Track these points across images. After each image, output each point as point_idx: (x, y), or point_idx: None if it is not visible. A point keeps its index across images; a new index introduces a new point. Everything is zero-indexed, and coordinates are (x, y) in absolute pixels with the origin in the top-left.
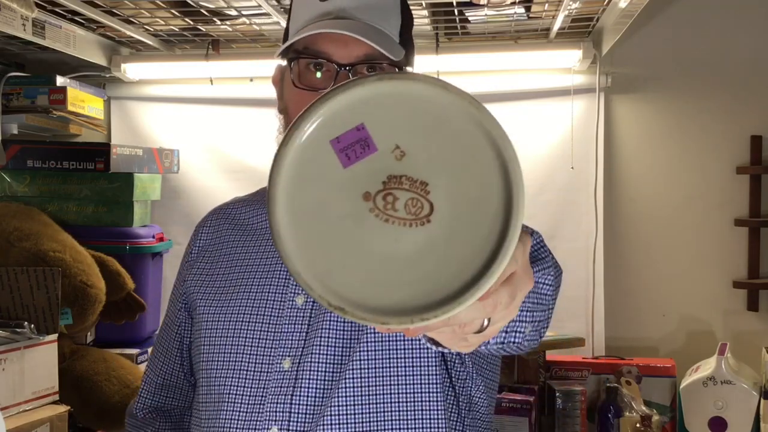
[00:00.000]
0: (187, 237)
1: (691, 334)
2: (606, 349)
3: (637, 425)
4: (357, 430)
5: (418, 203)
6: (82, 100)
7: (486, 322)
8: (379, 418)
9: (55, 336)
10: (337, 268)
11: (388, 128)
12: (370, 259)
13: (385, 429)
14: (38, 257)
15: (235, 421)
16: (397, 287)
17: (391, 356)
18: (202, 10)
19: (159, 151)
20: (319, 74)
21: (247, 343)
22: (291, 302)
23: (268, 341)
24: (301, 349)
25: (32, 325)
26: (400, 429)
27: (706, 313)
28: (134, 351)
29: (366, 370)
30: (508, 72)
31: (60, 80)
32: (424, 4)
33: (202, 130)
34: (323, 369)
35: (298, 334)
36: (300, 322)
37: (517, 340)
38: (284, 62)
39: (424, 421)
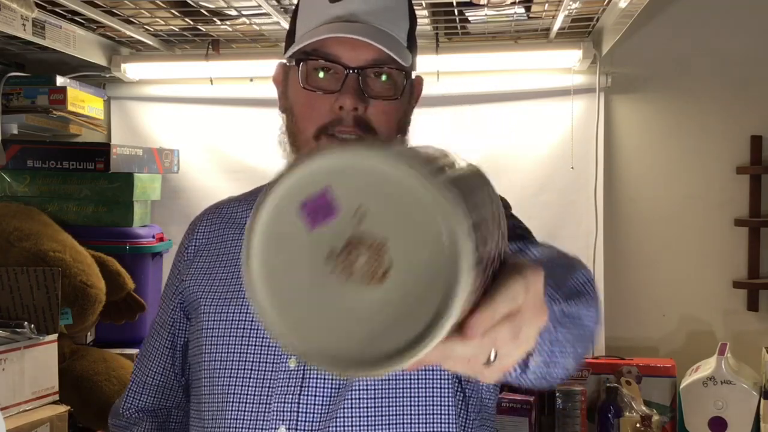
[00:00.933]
0: None
1: (691, 334)
2: (606, 349)
3: (637, 425)
4: (368, 430)
5: (375, 263)
6: (82, 100)
7: (493, 356)
8: (390, 421)
9: (55, 336)
10: (304, 321)
11: (351, 193)
12: (334, 314)
13: (396, 430)
14: (38, 257)
15: (242, 421)
16: (357, 340)
17: None
18: (202, 10)
19: (159, 151)
20: (326, 76)
21: (251, 342)
22: None
23: (272, 340)
24: None
25: (32, 325)
26: (411, 430)
27: (706, 313)
28: (134, 351)
29: None
30: (508, 72)
31: (60, 80)
32: (424, 4)
33: (202, 130)
34: None
35: None
36: None
37: (560, 374)
38: (287, 62)
39: (435, 423)
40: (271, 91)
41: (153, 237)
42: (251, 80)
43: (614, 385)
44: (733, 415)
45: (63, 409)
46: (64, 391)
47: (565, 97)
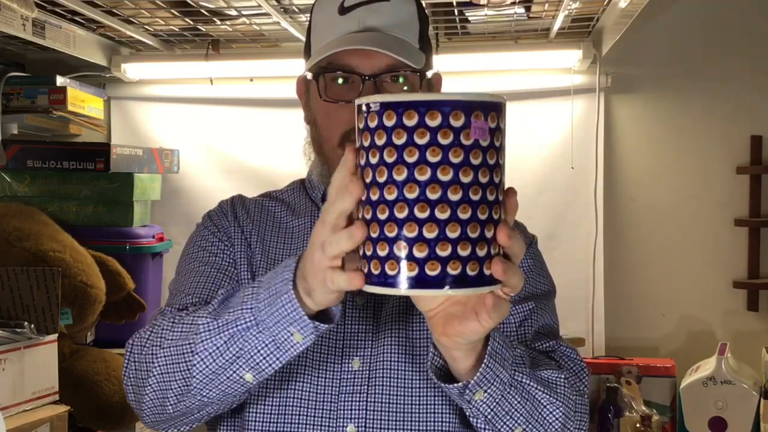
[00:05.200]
0: (186, 237)
1: (691, 334)
2: (606, 349)
3: (637, 425)
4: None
5: None
6: (82, 100)
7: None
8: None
9: (55, 336)
10: None
11: None
12: None
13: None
14: (38, 257)
15: (306, 420)
16: None
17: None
18: (202, 10)
19: (159, 151)
20: (344, 86)
21: (311, 347)
22: (352, 302)
23: (332, 340)
24: (369, 349)
25: (32, 325)
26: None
27: (706, 313)
28: None
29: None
30: (508, 72)
31: (60, 80)
32: (424, 4)
33: (202, 130)
34: (395, 368)
35: (364, 333)
36: (365, 323)
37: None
38: (308, 75)
39: None
40: (271, 91)
41: (153, 237)
42: (251, 80)
43: (614, 385)
44: (733, 415)
45: (63, 409)
46: (64, 391)
47: (565, 97)
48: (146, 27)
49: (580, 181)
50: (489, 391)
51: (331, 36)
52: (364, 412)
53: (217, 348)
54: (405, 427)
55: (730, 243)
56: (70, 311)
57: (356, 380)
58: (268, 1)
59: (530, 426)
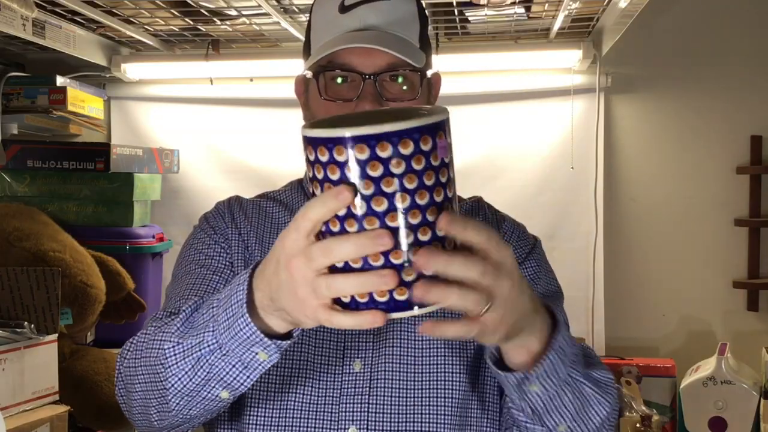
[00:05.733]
0: (186, 237)
1: (691, 334)
2: (606, 349)
3: (637, 425)
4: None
5: None
6: (82, 100)
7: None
8: (460, 421)
9: (55, 336)
10: None
11: None
12: None
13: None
14: (38, 257)
15: (307, 423)
16: None
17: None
18: (202, 10)
19: (159, 151)
20: (344, 85)
21: (310, 343)
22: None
23: (333, 342)
24: (371, 351)
25: (32, 325)
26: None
27: (706, 313)
28: None
29: (446, 373)
30: (508, 72)
31: (60, 80)
32: (424, 4)
33: (202, 130)
34: (397, 370)
35: (365, 335)
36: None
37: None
38: (306, 74)
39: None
40: (271, 91)
41: (153, 237)
42: (251, 80)
43: (614, 385)
44: (733, 415)
45: (63, 409)
46: (64, 391)
47: (565, 97)
48: (146, 27)
49: (580, 181)
50: (546, 385)
51: (331, 34)
52: (366, 414)
53: (186, 372)
54: (407, 428)
55: (730, 243)
56: (70, 311)
57: (358, 382)
58: (268, 1)
59: (575, 423)
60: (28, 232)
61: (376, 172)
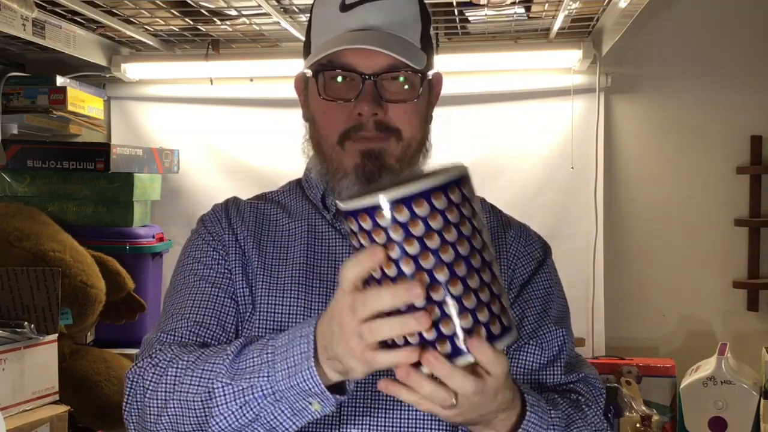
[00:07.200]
0: (186, 237)
1: (691, 334)
2: (606, 349)
3: (637, 425)
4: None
5: None
6: (82, 100)
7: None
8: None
9: (55, 336)
10: None
11: None
12: None
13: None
14: (38, 257)
15: (309, 422)
16: None
17: None
18: (202, 10)
19: (159, 151)
20: (344, 84)
21: None
22: None
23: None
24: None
25: (32, 325)
26: None
27: (706, 313)
28: (134, 351)
29: None
30: (508, 72)
31: (60, 80)
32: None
33: (202, 130)
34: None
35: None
36: None
37: None
38: (307, 72)
39: None
40: (271, 91)
41: (153, 237)
42: (251, 80)
43: (614, 385)
44: (733, 415)
45: (63, 409)
46: (64, 391)
47: (565, 97)
48: (146, 27)
49: (580, 181)
50: None
51: (332, 33)
52: (368, 418)
53: (233, 413)
54: (410, 428)
55: (730, 243)
56: (70, 311)
57: (360, 385)
58: (268, 1)
59: None
60: (28, 232)
61: (417, 230)
